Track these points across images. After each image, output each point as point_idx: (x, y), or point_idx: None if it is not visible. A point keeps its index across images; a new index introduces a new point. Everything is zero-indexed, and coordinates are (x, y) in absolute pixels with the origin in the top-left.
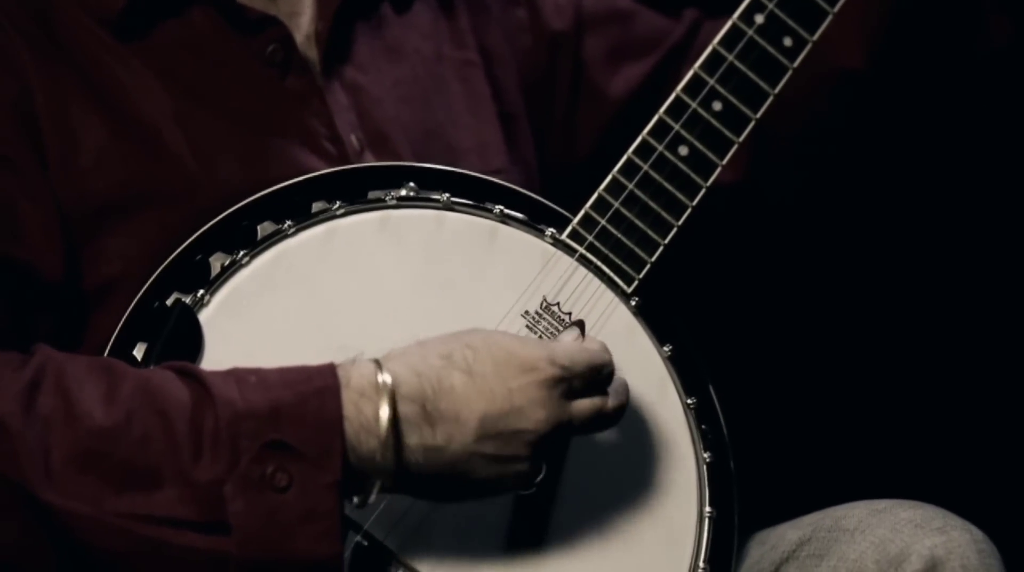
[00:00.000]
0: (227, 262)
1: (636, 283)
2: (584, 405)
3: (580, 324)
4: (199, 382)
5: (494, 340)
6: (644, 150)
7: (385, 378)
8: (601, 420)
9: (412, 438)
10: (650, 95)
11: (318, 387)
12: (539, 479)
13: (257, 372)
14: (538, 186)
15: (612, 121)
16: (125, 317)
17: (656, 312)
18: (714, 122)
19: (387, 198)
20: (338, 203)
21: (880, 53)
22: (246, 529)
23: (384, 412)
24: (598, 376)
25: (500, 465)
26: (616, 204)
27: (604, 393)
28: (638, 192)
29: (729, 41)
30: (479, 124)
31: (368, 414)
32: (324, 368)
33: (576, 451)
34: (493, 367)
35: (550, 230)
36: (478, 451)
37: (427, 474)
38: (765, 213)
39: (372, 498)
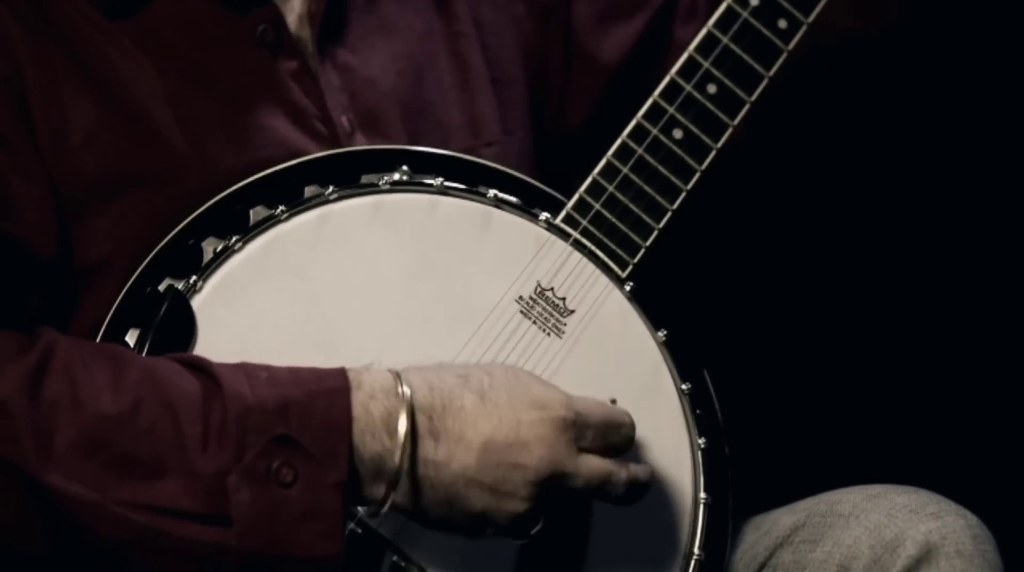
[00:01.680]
0: (220, 247)
1: (631, 268)
2: (592, 462)
3: (612, 402)
4: (209, 375)
5: (514, 373)
6: (638, 133)
7: (405, 389)
8: (609, 487)
9: (415, 448)
10: (642, 61)
11: (328, 387)
12: (534, 531)
13: (268, 369)
14: (532, 158)
15: (606, 88)
16: (117, 302)
17: (651, 297)
18: (709, 105)
19: (380, 183)
20: (331, 188)
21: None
22: (247, 522)
23: (402, 423)
24: (613, 433)
25: (495, 498)
26: (610, 188)
27: (618, 459)
28: (632, 176)
29: (724, 23)
30: (470, 97)
31: (377, 417)
32: (335, 371)
33: None
34: (507, 396)
35: (544, 214)
36: (476, 478)
37: (422, 489)
38: (760, 173)
39: (385, 509)
